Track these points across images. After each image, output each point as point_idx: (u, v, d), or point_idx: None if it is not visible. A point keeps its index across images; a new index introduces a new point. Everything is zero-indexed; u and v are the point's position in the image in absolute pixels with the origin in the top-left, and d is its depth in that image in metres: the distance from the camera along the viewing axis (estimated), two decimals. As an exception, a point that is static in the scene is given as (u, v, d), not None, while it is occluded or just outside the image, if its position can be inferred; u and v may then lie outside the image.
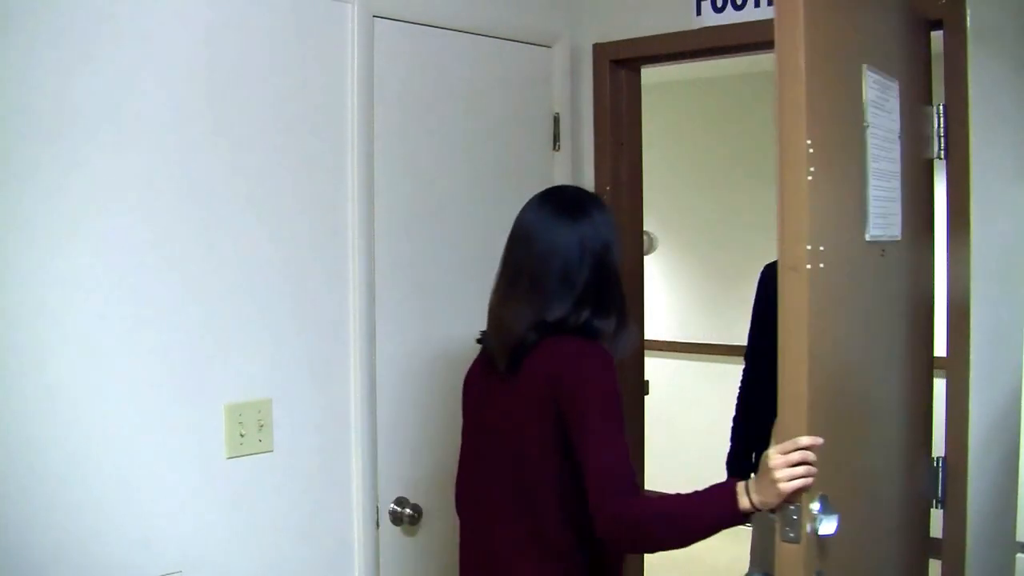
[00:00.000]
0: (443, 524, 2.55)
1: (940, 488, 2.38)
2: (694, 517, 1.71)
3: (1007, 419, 2.22)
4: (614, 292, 1.88)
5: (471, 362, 2.54)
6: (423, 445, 2.53)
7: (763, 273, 3.06)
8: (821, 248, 1.66)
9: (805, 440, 1.61)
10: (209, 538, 2.10)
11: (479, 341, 2.06)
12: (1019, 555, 1.87)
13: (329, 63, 2.31)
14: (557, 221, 1.87)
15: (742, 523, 1.72)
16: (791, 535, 1.63)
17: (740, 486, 1.70)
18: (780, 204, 1.63)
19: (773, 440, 1.69)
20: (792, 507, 1.62)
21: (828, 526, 1.62)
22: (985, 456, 2.33)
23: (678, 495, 1.77)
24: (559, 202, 1.91)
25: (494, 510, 1.92)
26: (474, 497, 2.00)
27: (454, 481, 2.53)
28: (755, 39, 2.72)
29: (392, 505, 2.46)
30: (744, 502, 1.68)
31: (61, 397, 1.87)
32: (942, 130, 2.34)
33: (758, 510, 1.68)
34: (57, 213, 1.86)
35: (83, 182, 1.89)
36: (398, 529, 2.47)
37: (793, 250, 1.63)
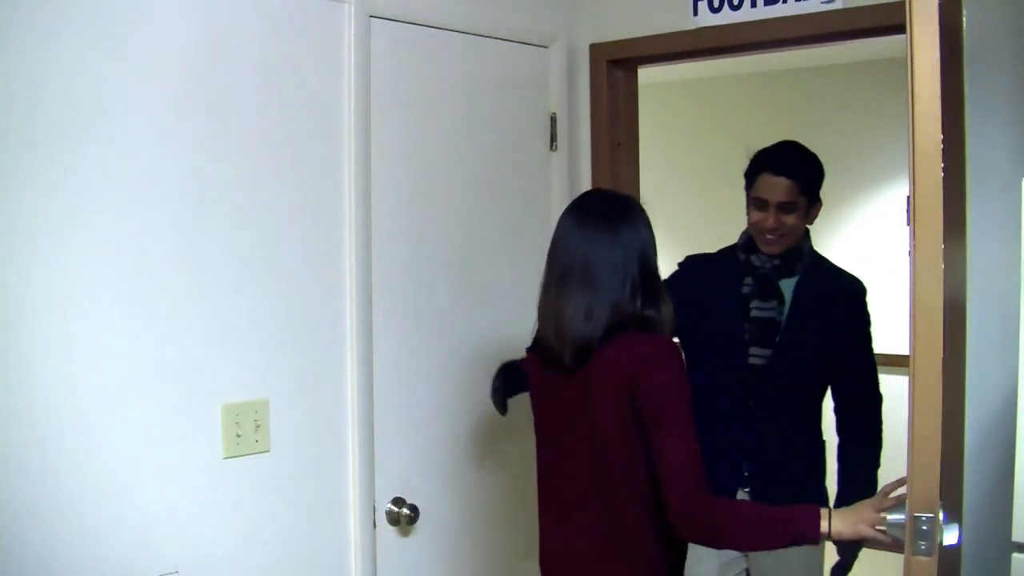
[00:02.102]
0: (441, 524, 2.56)
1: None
2: (776, 528, 1.79)
3: (1003, 419, 2.22)
4: (657, 282, 1.95)
5: (469, 360, 2.57)
6: (420, 445, 2.53)
7: (685, 264, 2.75)
8: (943, 247, 1.60)
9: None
10: (206, 538, 2.10)
11: (531, 349, 2.09)
12: (1015, 555, 1.86)
13: (326, 63, 2.31)
14: (598, 225, 1.92)
15: (814, 543, 1.81)
16: (924, 547, 1.53)
17: (823, 511, 1.79)
18: (914, 201, 1.55)
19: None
20: (924, 517, 1.53)
21: (951, 536, 1.56)
22: (981, 456, 2.33)
23: (762, 504, 1.85)
24: (595, 207, 1.98)
25: (569, 507, 1.95)
26: (551, 494, 2.02)
27: (452, 481, 2.56)
28: (752, 39, 2.73)
29: (389, 505, 2.45)
30: (824, 526, 1.76)
31: (58, 397, 1.87)
32: (938, 130, 2.34)
33: (829, 538, 1.78)
34: (53, 215, 1.85)
35: (79, 184, 1.89)
36: (395, 529, 2.47)
37: (930, 249, 1.55)
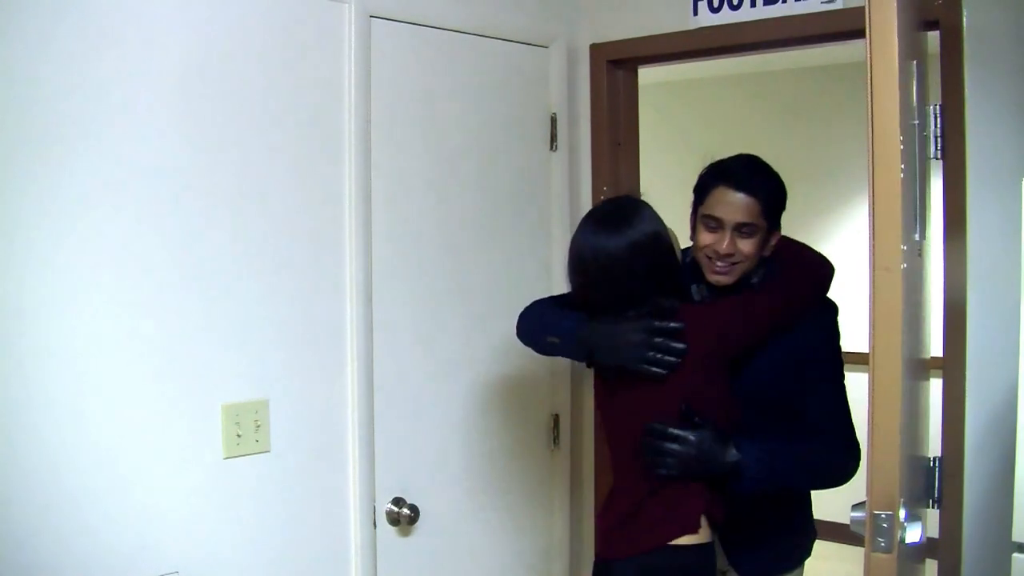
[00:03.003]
0: (441, 524, 2.56)
1: (936, 488, 2.38)
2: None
3: (1003, 419, 2.22)
4: (676, 270, 2.06)
5: (470, 360, 2.58)
6: (420, 445, 2.53)
7: None
8: (904, 248, 1.61)
9: None
10: (206, 538, 2.10)
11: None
12: (1015, 555, 1.86)
13: (326, 63, 2.31)
14: (609, 236, 2.00)
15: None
16: (883, 544, 1.55)
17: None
18: (872, 202, 1.57)
19: None
20: (883, 515, 1.55)
21: (914, 533, 1.58)
22: (981, 456, 2.33)
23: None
24: (604, 218, 2.06)
25: (631, 479, 2.09)
26: (623, 463, 2.14)
27: (452, 481, 2.58)
28: (752, 39, 2.73)
29: (389, 505, 2.45)
30: None
31: (58, 397, 1.87)
32: (938, 130, 2.35)
33: None
34: (53, 215, 1.86)
35: (79, 183, 1.89)
36: (395, 529, 2.47)
37: (887, 250, 1.56)
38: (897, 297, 1.55)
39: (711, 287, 2.14)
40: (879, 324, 1.56)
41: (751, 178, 2.08)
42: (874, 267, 1.56)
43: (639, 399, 2.05)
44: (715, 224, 2.07)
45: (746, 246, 2.06)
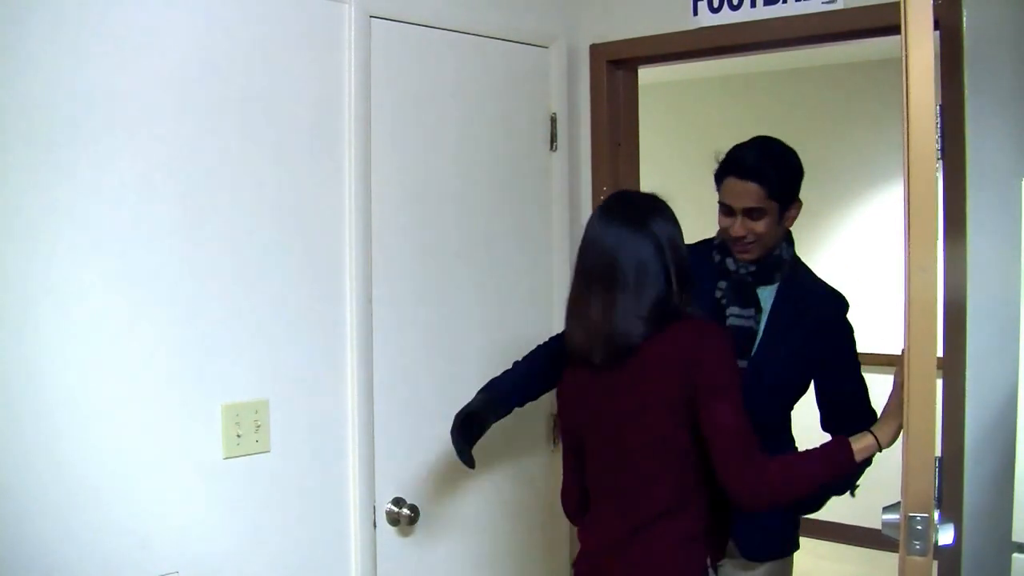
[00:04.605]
0: (441, 524, 2.56)
1: (936, 488, 2.37)
2: (817, 468, 1.94)
3: (1003, 419, 2.22)
4: (691, 274, 2.04)
5: (469, 360, 2.56)
6: (420, 445, 2.53)
7: None
8: (938, 247, 1.62)
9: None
10: (206, 539, 2.10)
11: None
12: (1015, 555, 1.87)
13: (326, 64, 2.31)
14: (629, 224, 1.98)
15: (855, 468, 1.98)
16: (918, 547, 1.54)
17: (855, 437, 1.95)
18: (907, 202, 1.55)
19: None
20: (918, 517, 1.55)
21: (946, 536, 1.57)
22: (981, 456, 2.33)
23: (798, 453, 2.03)
24: (624, 211, 2.03)
25: (632, 493, 2.00)
26: (602, 487, 2.07)
27: (452, 481, 2.56)
28: (752, 39, 2.73)
29: (389, 505, 2.46)
30: (863, 444, 1.95)
31: (58, 398, 1.87)
32: (938, 130, 2.34)
33: (880, 450, 1.95)
34: (53, 215, 1.86)
35: (78, 184, 1.89)
36: (395, 529, 2.47)
37: (923, 250, 1.55)
38: (932, 298, 1.54)
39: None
40: (914, 325, 1.55)
41: (756, 166, 2.25)
42: (910, 267, 1.55)
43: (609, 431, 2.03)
44: (728, 210, 2.29)
45: (758, 227, 2.26)
